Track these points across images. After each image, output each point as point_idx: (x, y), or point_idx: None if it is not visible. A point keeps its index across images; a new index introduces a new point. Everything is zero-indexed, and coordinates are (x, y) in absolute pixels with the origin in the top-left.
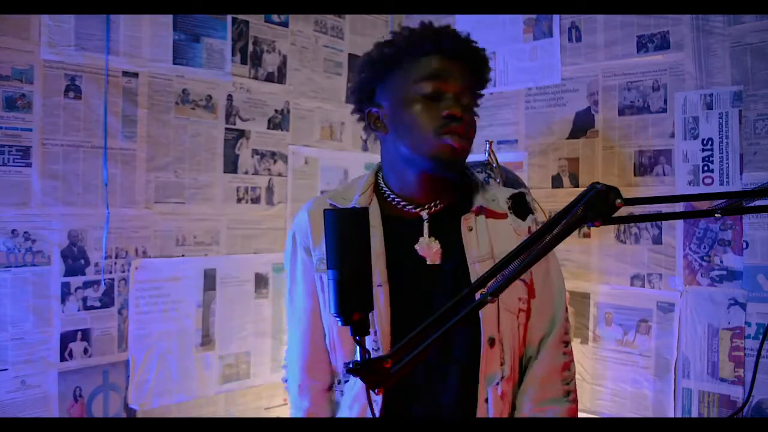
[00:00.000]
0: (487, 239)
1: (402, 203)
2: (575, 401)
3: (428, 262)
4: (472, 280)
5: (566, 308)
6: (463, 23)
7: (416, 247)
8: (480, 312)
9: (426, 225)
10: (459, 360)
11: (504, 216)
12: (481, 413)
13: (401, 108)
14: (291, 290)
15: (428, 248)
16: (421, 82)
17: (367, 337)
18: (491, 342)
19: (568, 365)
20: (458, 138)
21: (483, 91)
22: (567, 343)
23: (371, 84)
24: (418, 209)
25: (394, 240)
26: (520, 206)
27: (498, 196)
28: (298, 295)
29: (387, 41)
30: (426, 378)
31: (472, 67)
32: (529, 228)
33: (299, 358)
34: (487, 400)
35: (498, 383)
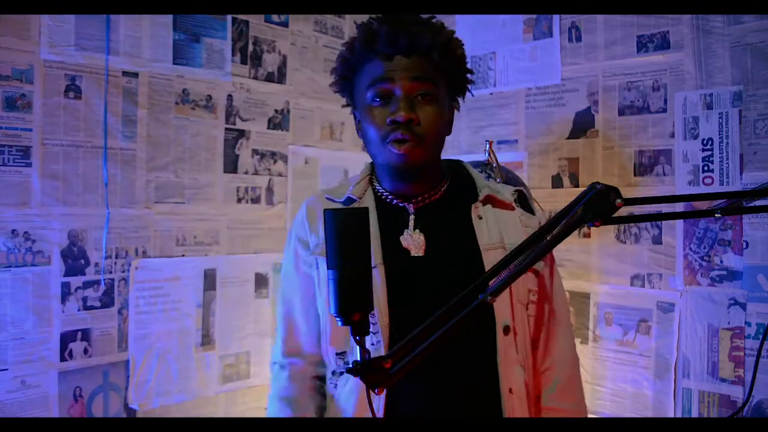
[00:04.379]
0: (497, 228)
1: (390, 197)
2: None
3: (412, 254)
4: (486, 267)
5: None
6: (463, 23)
7: (401, 238)
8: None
9: (412, 218)
10: (471, 352)
11: (511, 207)
12: (507, 404)
13: (362, 115)
14: (285, 275)
15: (412, 240)
16: (368, 89)
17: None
18: (506, 330)
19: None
20: (400, 144)
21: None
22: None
23: (345, 92)
24: (404, 203)
25: (385, 228)
26: (523, 201)
27: (501, 189)
28: (291, 277)
29: (343, 48)
30: (432, 374)
31: (424, 54)
32: (540, 222)
33: (290, 330)
34: (511, 390)
35: (521, 372)
